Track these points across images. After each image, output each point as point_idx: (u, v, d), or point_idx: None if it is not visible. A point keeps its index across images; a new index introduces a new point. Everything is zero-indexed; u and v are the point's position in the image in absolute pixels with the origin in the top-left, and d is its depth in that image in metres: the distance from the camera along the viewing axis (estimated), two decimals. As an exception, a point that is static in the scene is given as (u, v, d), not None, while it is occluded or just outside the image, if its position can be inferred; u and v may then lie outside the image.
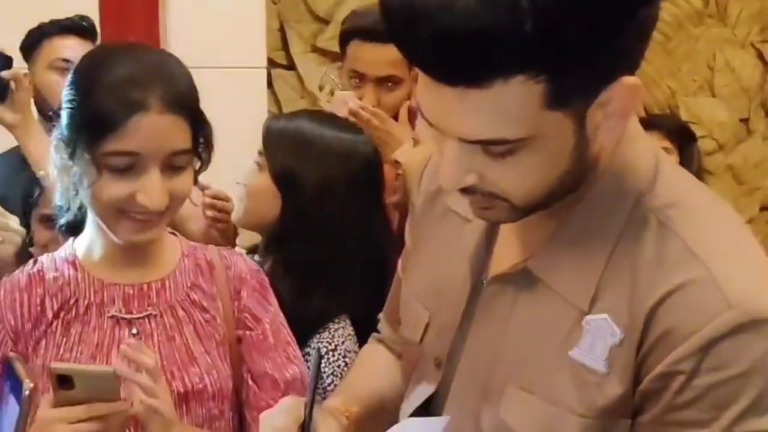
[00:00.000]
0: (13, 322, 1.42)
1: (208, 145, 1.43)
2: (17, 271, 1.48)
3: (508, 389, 1.03)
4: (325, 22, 3.31)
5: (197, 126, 1.39)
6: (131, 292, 1.44)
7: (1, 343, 1.42)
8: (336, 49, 3.31)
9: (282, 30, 3.30)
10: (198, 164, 1.43)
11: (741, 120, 3.65)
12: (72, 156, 1.36)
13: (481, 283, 1.10)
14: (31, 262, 1.49)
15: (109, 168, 1.33)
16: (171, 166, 1.35)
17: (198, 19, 2.85)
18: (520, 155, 0.92)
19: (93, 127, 1.33)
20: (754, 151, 3.65)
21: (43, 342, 1.41)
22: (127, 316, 1.42)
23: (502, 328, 1.05)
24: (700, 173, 2.75)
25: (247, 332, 1.49)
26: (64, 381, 1.25)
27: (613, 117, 0.93)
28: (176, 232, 1.55)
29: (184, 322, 1.44)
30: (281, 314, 1.54)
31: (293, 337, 1.54)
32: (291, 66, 3.30)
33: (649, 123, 2.51)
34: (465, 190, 0.98)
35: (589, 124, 0.93)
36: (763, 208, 3.67)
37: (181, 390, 1.40)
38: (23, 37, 2.54)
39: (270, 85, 3.24)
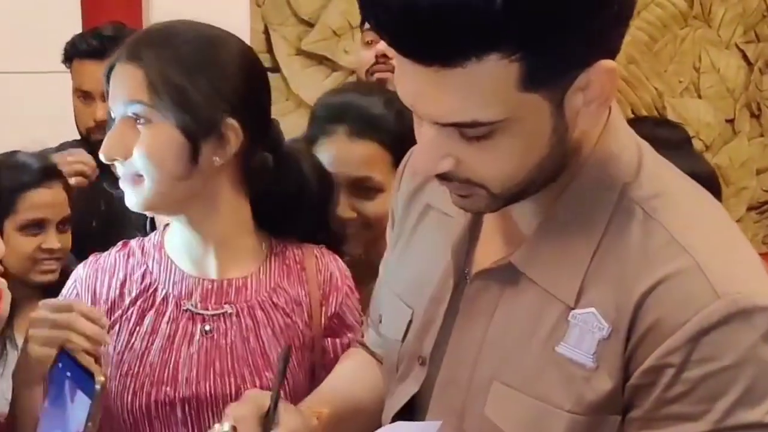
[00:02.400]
0: (89, 302, 1.38)
1: (211, 122, 1.31)
2: (105, 252, 1.45)
3: (493, 386, 1.01)
4: (310, 24, 3.30)
5: (162, 81, 1.28)
6: (210, 287, 1.38)
7: None
8: (321, 51, 3.32)
9: (266, 33, 3.28)
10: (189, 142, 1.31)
11: (727, 120, 3.67)
12: None
13: (464, 279, 1.08)
14: (120, 243, 1.46)
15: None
16: (137, 122, 1.30)
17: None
18: (496, 139, 0.90)
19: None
20: (740, 151, 3.67)
21: (117, 327, 1.37)
22: (202, 312, 1.37)
23: (486, 324, 1.03)
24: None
25: (337, 340, 1.43)
26: None
27: (592, 102, 0.91)
28: (267, 230, 1.45)
29: (262, 325, 1.38)
30: None
31: None
32: (276, 68, 3.29)
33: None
34: (441, 177, 0.96)
35: (567, 108, 0.91)
36: (750, 208, 3.68)
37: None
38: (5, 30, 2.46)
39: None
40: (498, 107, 0.88)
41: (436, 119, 0.91)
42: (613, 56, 0.90)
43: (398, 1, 0.83)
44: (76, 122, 2.46)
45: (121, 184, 1.34)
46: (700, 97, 3.63)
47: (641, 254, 0.94)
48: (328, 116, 1.71)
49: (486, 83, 0.86)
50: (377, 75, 2.27)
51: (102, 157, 1.32)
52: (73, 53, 2.41)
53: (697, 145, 3.54)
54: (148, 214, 1.42)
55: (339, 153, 1.66)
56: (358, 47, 2.49)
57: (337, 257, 1.49)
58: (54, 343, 1.21)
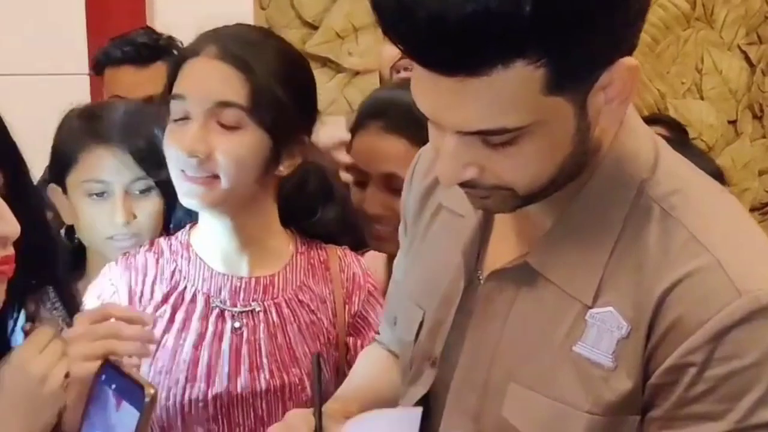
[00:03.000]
0: (125, 300, 1.40)
1: (286, 130, 1.35)
2: (133, 251, 1.46)
3: (510, 388, 1.00)
4: (314, 27, 3.30)
5: (258, 86, 1.31)
6: (239, 284, 1.41)
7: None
8: (325, 54, 3.33)
9: (270, 35, 3.29)
10: (272, 147, 1.34)
11: (729, 122, 3.67)
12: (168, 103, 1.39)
13: (476, 279, 1.07)
14: (148, 243, 1.48)
15: (170, 119, 1.35)
16: (219, 122, 1.31)
17: (185, 23, 2.84)
18: (521, 144, 0.89)
19: (168, 76, 1.38)
20: (743, 152, 3.67)
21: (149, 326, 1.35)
22: (231, 309, 1.40)
23: (502, 325, 1.02)
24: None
25: (359, 339, 1.46)
26: None
27: (614, 100, 0.91)
28: (293, 230, 1.49)
29: (288, 321, 1.41)
30: None
31: None
32: (280, 71, 3.30)
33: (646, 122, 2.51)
34: (464, 184, 0.95)
35: (590, 108, 0.90)
36: (752, 209, 3.68)
37: (278, 385, 1.38)
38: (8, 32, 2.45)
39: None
40: (523, 113, 0.87)
41: (460, 128, 0.90)
42: (631, 53, 0.90)
43: (424, 14, 0.81)
44: None
45: (185, 181, 1.33)
46: (702, 98, 3.63)
47: (660, 252, 0.94)
48: (369, 110, 1.74)
49: (511, 90, 0.85)
50: (403, 74, 2.22)
51: (182, 152, 1.31)
52: (106, 61, 2.37)
53: (700, 146, 3.54)
54: (204, 212, 1.40)
55: (370, 147, 1.69)
56: (380, 45, 2.44)
57: (359, 257, 1.52)
58: (97, 356, 1.07)
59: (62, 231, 1.70)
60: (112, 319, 1.11)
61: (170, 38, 2.28)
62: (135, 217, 1.59)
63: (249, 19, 3.14)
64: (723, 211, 0.99)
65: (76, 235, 1.69)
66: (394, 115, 1.68)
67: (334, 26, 3.30)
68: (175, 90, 1.34)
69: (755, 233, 0.98)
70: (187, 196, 1.34)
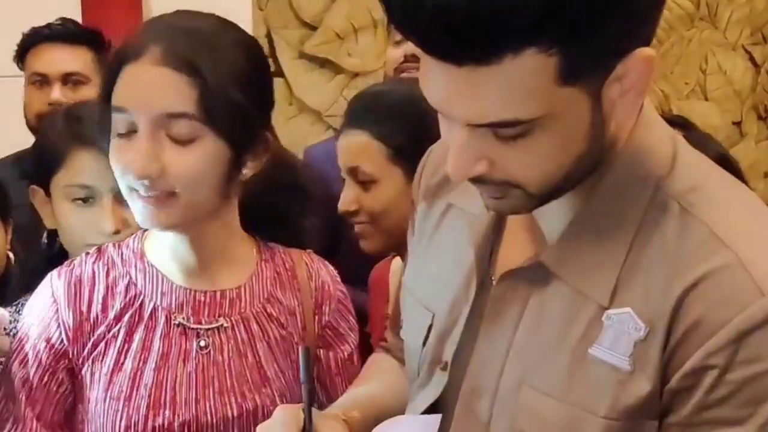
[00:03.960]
0: (71, 321, 1.26)
1: (246, 132, 1.21)
2: (77, 261, 1.31)
3: (522, 392, 0.96)
4: (313, 27, 3.28)
5: (210, 91, 1.16)
6: (202, 299, 1.28)
7: (56, 341, 1.26)
8: (324, 54, 3.30)
9: (269, 36, 3.26)
10: (232, 154, 1.21)
11: (734, 123, 3.64)
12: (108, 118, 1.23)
13: (488, 280, 1.03)
14: (95, 251, 1.32)
15: (115, 132, 1.20)
16: (171, 136, 1.16)
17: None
18: (533, 137, 0.86)
19: (104, 82, 1.23)
20: (748, 153, 3.64)
21: (102, 346, 1.25)
22: (196, 326, 1.27)
23: (514, 327, 0.98)
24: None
25: (330, 353, 1.37)
26: None
27: (629, 92, 0.88)
28: (254, 234, 1.37)
29: (258, 338, 1.30)
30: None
31: None
32: (279, 73, 3.26)
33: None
34: (475, 180, 0.91)
35: (605, 101, 0.87)
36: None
37: (250, 408, 1.27)
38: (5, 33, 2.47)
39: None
40: (536, 104, 0.84)
41: (471, 120, 0.86)
42: (648, 43, 0.87)
43: (431, 2, 0.78)
44: (25, 113, 2.41)
45: (138, 200, 1.20)
46: (706, 99, 3.60)
47: (679, 251, 0.90)
48: (347, 108, 1.78)
49: (523, 80, 0.82)
50: (405, 75, 2.24)
51: (133, 176, 1.18)
52: (29, 44, 2.40)
53: (704, 147, 3.52)
54: (168, 232, 1.27)
55: (340, 143, 1.74)
56: (379, 46, 2.48)
57: (326, 262, 1.42)
58: None
59: (44, 235, 1.63)
60: None
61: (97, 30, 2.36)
62: (128, 225, 1.47)
63: (247, 19, 3.12)
64: (743, 207, 0.95)
65: (58, 240, 1.60)
66: (356, 109, 1.74)
67: (334, 27, 3.27)
68: (115, 101, 1.18)
69: None
70: (143, 217, 1.21)
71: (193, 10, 1.26)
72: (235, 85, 1.18)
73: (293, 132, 3.15)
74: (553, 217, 0.97)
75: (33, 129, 2.39)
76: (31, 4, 2.87)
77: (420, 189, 1.19)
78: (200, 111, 1.16)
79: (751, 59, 3.63)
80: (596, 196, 0.95)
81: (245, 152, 1.23)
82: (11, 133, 2.39)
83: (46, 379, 1.26)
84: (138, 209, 1.21)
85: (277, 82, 3.28)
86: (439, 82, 0.85)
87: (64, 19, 2.44)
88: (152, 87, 1.16)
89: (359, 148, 1.69)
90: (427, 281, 1.12)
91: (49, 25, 2.41)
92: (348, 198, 1.72)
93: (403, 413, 1.14)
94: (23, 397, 1.26)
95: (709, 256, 0.89)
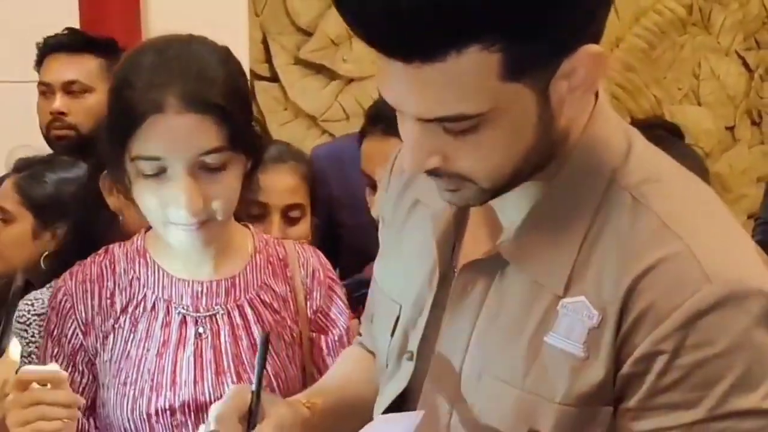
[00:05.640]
0: (84, 315, 1.38)
1: (253, 140, 1.35)
2: (88, 261, 1.43)
3: (482, 380, 0.99)
4: (308, 33, 3.29)
5: (231, 121, 1.28)
6: (200, 289, 1.39)
7: (71, 335, 1.39)
8: (319, 60, 3.31)
9: (265, 42, 3.28)
10: (249, 162, 1.36)
11: (727, 128, 3.66)
12: (119, 157, 1.31)
13: (451, 272, 1.06)
14: (102, 251, 1.44)
15: (141, 173, 1.29)
16: (204, 167, 1.28)
17: (180, 31, 2.82)
18: (481, 132, 0.89)
19: (118, 130, 1.30)
20: (741, 158, 3.66)
21: (111, 337, 1.37)
22: (194, 314, 1.38)
23: (475, 317, 1.01)
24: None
25: (321, 336, 1.45)
26: None
27: (578, 89, 0.90)
28: (249, 225, 1.49)
29: (253, 323, 1.40)
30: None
31: None
32: (274, 78, 3.28)
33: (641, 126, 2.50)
34: (431, 173, 0.95)
35: (553, 96, 0.90)
36: (750, 216, 3.66)
37: None
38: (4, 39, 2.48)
39: (252, 97, 3.21)
40: (481, 99, 0.87)
41: (420, 115, 0.90)
42: (597, 40, 0.89)
43: (376, 1, 0.82)
44: (40, 123, 2.44)
45: (180, 231, 1.31)
46: (699, 104, 3.62)
47: (631, 240, 0.93)
48: (371, 117, 1.82)
49: (468, 76, 0.85)
50: None
51: (190, 219, 1.28)
52: (42, 54, 2.43)
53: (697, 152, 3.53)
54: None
55: (374, 151, 1.77)
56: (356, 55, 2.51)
57: (318, 251, 1.52)
58: (29, 421, 1.20)
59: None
60: (34, 384, 1.21)
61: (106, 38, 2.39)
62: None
63: (243, 25, 3.13)
64: (695, 199, 0.98)
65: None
66: (394, 117, 1.71)
67: (329, 33, 3.29)
68: (145, 151, 1.27)
69: (728, 222, 0.97)
70: (185, 243, 1.33)
71: (178, 35, 1.33)
72: (244, 107, 1.33)
73: (288, 137, 3.15)
74: (512, 209, 1.00)
75: (45, 138, 2.42)
76: (28, 7, 2.88)
77: (389, 188, 1.22)
78: (229, 141, 1.28)
79: (744, 64, 3.66)
80: (552, 189, 0.98)
81: (256, 156, 1.37)
82: (5, 141, 2.40)
83: (69, 371, 1.36)
84: (179, 237, 1.32)
85: (273, 88, 3.29)
86: (391, 79, 0.89)
87: (69, 29, 2.47)
88: (184, 134, 1.26)
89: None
90: (395, 275, 1.15)
91: (56, 35, 2.43)
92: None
93: (373, 402, 1.17)
94: None
95: (658, 245, 0.91)
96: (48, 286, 1.65)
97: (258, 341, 1.15)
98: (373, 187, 1.77)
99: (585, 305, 0.93)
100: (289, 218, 1.94)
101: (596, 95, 0.99)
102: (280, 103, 3.27)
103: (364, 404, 1.21)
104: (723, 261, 0.91)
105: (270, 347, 1.22)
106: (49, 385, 1.22)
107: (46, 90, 2.40)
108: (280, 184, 1.92)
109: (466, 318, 1.02)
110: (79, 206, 1.80)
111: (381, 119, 1.74)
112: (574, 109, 0.93)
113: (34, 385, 1.21)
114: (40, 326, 1.59)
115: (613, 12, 3.47)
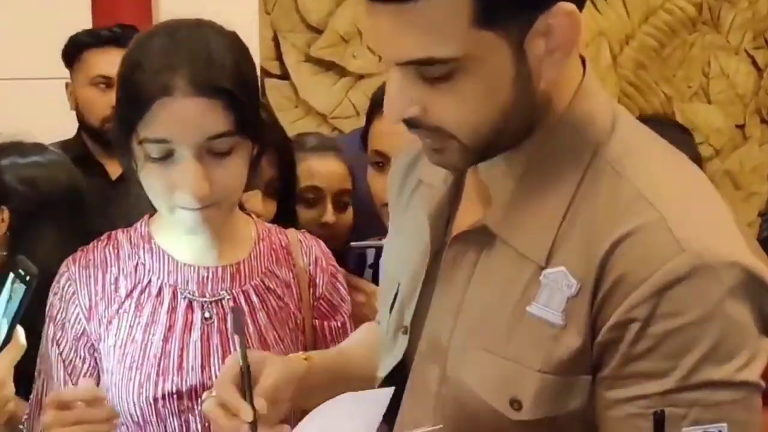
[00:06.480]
0: (87, 300, 1.39)
1: (261, 126, 1.36)
2: (91, 246, 1.44)
3: (468, 352, 1.01)
4: (318, 31, 3.31)
5: (238, 106, 1.28)
6: (206, 274, 1.40)
7: (74, 321, 1.40)
8: (330, 57, 3.32)
9: (275, 39, 3.29)
10: (255, 148, 1.36)
11: (737, 126, 3.65)
12: (127, 141, 1.32)
13: (444, 247, 1.07)
14: (105, 236, 1.45)
15: (148, 156, 1.29)
16: (211, 151, 1.28)
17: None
18: (456, 80, 0.92)
19: (126, 113, 1.31)
20: (751, 156, 3.65)
21: (116, 322, 1.38)
22: (201, 299, 1.39)
23: (464, 289, 1.03)
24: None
25: (325, 322, 1.47)
26: None
27: (556, 51, 0.93)
28: (252, 213, 1.51)
29: (258, 309, 1.41)
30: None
31: None
32: (285, 75, 3.29)
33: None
34: (412, 125, 0.98)
35: (529, 55, 0.92)
36: (761, 214, 3.66)
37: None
38: (17, 36, 2.49)
39: (263, 95, 3.22)
40: (453, 44, 0.90)
41: (397, 58, 0.94)
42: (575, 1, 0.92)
43: None
44: (87, 115, 2.46)
45: (186, 214, 1.31)
46: (709, 102, 3.62)
47: (608, 211, 0.94)
48: (379, 100, 1.81)
49: (439, 18, 0.89)
50: None
51: (196, 203, 1.29)
52: (82, 46, 2.43)
53: (707, 150, 3.53)
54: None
55: (391, 129, 1.75)
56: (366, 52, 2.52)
57: (319, 240, 1.53)
58: None
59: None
60: (79, 402, 1.24)
61: None
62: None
63: (254, 23, 3.14)
64: (676, 173, 0.99)
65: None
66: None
67: (339, 30, 3.30)
68: (152, 133, 1.27)
69: (708, 197, 0.99)
70: (192, 226, 1.33)
71: (187, 20, 1.34)
72: (252, 92, 1.34)
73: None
74: (500, 182, 1.02)
75: (95, 131, 2.43)
76: (41, 5, 2.90)
77: (395, 171, 1.24)
78: (236, 126, 1.29)
79: (754, 63, 3.64)
80: (536, 162, 1.00)
81: (261, 142, 1.37)
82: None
83: (71, 356, 1.39)
84: (185, 220, 1.33)
85: (284, 85, 3.31)
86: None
87: (122, 26, 2.48)
88: (192, 118, 1.27)
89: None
90: (395, 253, 1.18)
91: (110, 29, 2.45)
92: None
93: (368, 371, 1.20)
94: (62, 374, 1.39)
95: (634, 215, 0.93)
96: None
97: (230, 316, 1.19)
98: (383, 165, 1.79)
99: (564, 275, 0.95)
100: (339, 204, 1.97)
101: (584, 71, 1.01)
102: (291, 101, 3.28)
103: (359, 372, 1.25)
104: (696, 232, 0.92)
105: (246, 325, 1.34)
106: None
107: (105, 83, 2.39)
108: (333, 170, 1.97)
109: (456, 290, 1.04)
110: (32, 190, 1.86)
111: None
112: (553, 71, 0.95)
113: (77, 402, 1.24)
114: None
115: (623, 10, 3.51)
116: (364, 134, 1.90)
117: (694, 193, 0.98)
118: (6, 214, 1.85)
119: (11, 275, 1.18)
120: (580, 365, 0.95)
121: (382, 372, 1.14)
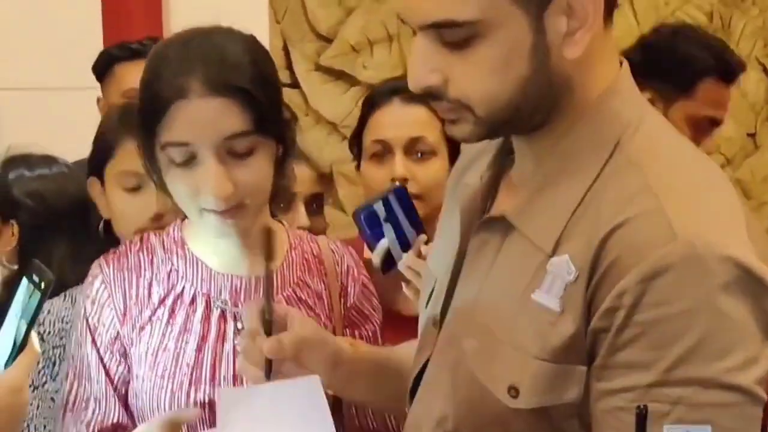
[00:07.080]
0: (121, 303, 1.39)
1: (284, 126, 1.36)
2: (123, 249, 1.43)
3: (483, 340, 1.01)
4: (328, 40, 3.31)
5: (256, 105, 1.28)
6: (239, 284, 1.40)
7: (109, 324, 1.39)
8: (339, 67, 3.33)
9: (286, 48, 3.30)
10: (280, 148, 1.36)
11: (748, 134, 3.64)
12: (152, 149, 1.33)
13: None
14: (137, 239, 1.45)
15: (172, 162, 1.30)
16: (232, 152, 1.29)
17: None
18: (475, 47, 0.95)
19: (146, 120, 1.32)
20: (762, 165, 3.64)
21: (148, 328, 1.38)
22: (234, 309, 1.39)
23: (484, 278, 1.04)
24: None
25: (355, 330, 1.47)
26: None
27: (577, 30, 0.95)
28: (283, 221, 1.51)
29: None
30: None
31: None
32: (295, 84, 3.29)
33: None
34: (433, 98, 1.00)
35: (549, 29, 0.94)
36: (772, 223, 3.64)
37: None
38: (26, 40, 2.48)
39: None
40: (471, 6, 0.93)
41: (418, 21, 0.97)
42: None
43: None
44: None
45: (213, 218, 1.31)
46: (720, 111, 3.60)
47: (615, 200, 0.95)
48: (386, 90, 1.84)
49: None
50: None
51: (220, 204, 1.29)
52: (113, 60, 2.43)
53: (718, 159, 3.51)
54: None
55: (394, 117, 1.78)
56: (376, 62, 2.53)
57: (351, 248, 1.53)
58: None
59: (100, 225, 1.76)
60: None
61: None
62: (171, 210, 1.57)
63: (264, 31, 3.15)
64: (690, 169, 0.99)
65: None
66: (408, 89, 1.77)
67: (349, 39, 3.30)
68: (172, 137, 1.29)
69: (720, 194, 0.97)
70: (220, 230, 1.33)
71: (204, 27, 1.35)
72: (272, 92, 1.33)
73: (309, 143, 3.17)
74: (526, 173, 1.04)
75: None
76: (52, 14, 2.90)
77: (451, 179, 1.25)
78: (256, 125, 1.28)
79: (765, 71, 3.63)
80: (558, 153, 1.01)
81: (287, 142, 1.37)
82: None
83: (105, 359, 1.39)
84: (212, 224, 1.32)
85: (293, 94, 3.31)
86: None
87: (151, 38, 2.43)
88: (210, 119, 1.27)
89: (423, 119, 1.76)
90: (436, 250, 1.20)
91: (140, 42, 2.42)
92: (405, 166, 1.77)
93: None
94: (103, 377, 1.38)
95: (635, 203, 0.93)
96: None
97: (261, 237, 1.21)
98: (382, 155, 1.80)
99: (567, 262, 0.95)
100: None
101: (621, 68, 1.02)
102: (301, 110, 3.28)
103: (402, 367, 1.23)
104: (694, 222, 0.90)
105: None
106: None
107: (137, 96, 2.38)
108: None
109: (476, 280, 1.05)
110: (40, 204, 1.87)
111: (399, 91, 1.76)
112: (572, 50, 0.96)
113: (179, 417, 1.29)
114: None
115: (633, 19, 3.49)
116: (356, 136, 1.88)
117: (704, 188, 0.97)
118: (15, 228, 1.86)
119: (25, 279, 1.18)
120: (574, 353, 0.94)
121: (414, 368, 1.13)
